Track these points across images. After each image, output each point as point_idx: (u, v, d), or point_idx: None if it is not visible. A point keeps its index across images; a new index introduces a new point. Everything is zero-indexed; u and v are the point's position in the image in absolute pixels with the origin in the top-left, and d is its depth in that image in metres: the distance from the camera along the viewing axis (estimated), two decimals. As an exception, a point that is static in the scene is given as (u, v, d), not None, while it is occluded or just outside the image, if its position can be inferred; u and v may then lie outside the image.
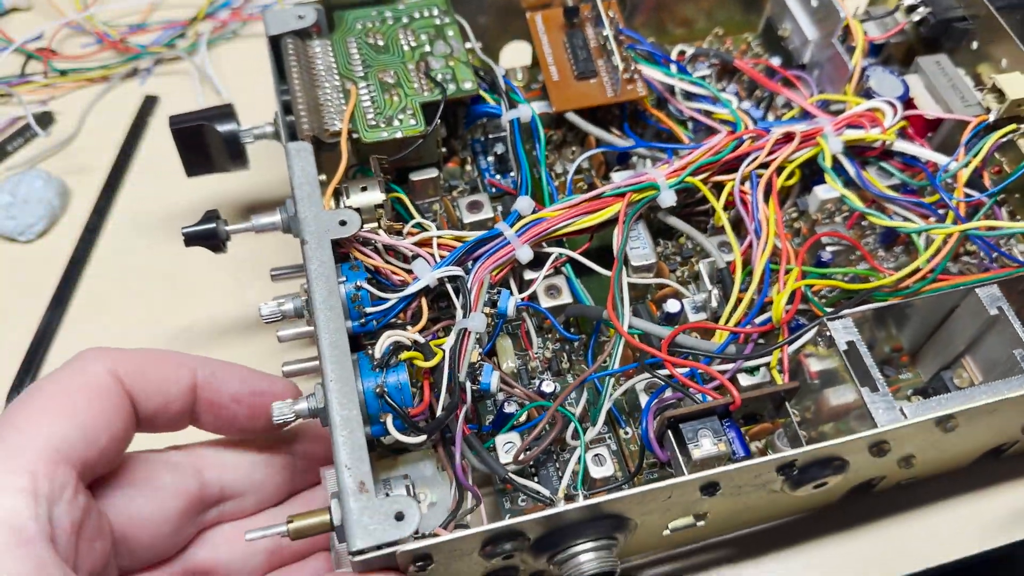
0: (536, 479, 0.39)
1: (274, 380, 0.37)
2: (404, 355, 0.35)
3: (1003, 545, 0.43)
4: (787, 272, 0.41)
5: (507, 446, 0.38)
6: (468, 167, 0.49)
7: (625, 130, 0.48)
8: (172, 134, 0.45)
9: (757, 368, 0.39)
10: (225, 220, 0.41)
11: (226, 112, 0.46)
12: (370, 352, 0.36)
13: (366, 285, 0.37)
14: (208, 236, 0.40)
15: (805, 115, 0.48)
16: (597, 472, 0.38)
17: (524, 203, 0.41)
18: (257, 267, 0.49)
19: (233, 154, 0.46)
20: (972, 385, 0.41)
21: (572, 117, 0.47)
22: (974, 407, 0.35)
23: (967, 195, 0.44)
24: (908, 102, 0.48)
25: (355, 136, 0.42)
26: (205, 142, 0.46)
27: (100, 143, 0.57)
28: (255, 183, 0.54)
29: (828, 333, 0.37)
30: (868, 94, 0.47)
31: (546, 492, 0.37)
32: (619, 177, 0.47)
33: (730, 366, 0.38)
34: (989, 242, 0.44)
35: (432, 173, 0.46)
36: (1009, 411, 0.36)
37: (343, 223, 0.38)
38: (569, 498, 0.37)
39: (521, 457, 0.37)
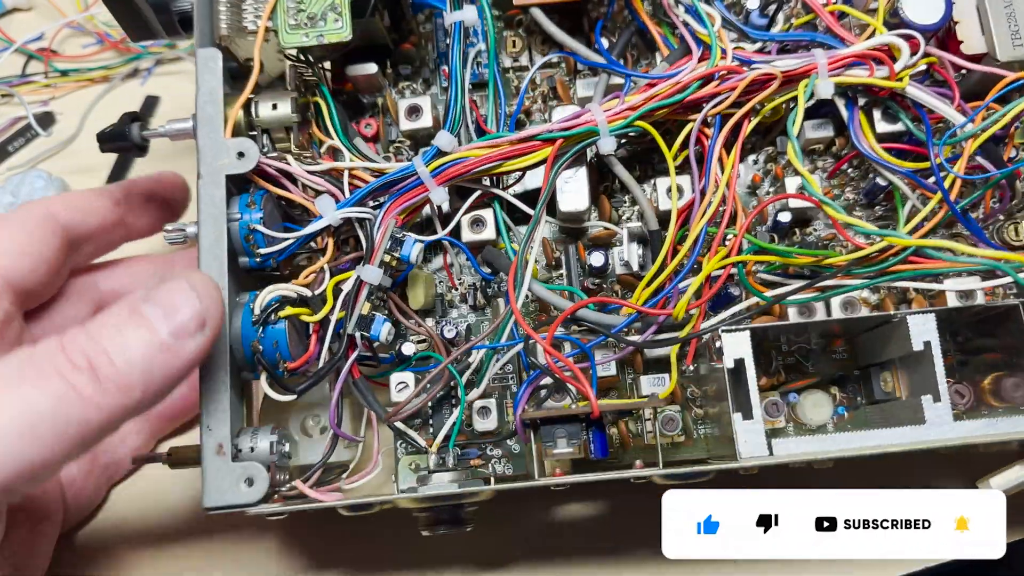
0: (431, 421, 0.40)
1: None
2: (288, 311, 0.36)
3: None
4: (724, 242, 0.37)
5: (400, 386, 0.39)
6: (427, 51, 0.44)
7: (596, 36, 0.41)
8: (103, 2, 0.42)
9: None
10: (143, 124, 0.40)
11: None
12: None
13: (260, 228, 0.36)
14: (118, 137, 0.39)
15: (815, 31, 0.41)
16: (481, 425, 0.39)
17: (445, 139, 0.38)
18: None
19: (166, 24, 0.43)
20: (895, 395, 0.38)
21: (536, 13, 0.41)
22: (847, 455, 0.33)
23: (969, 170, 0.38)
24: (948, 29, 0.39)
25: (275, 34, 0.39)
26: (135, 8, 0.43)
27: (101, 143, 0.57)
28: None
29: (718, 344, 0.34)
30: (896, 14, 0.39)
31: (421, 442, 0.38)
32: (581, 88, 0.42)
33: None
34: (980, 229, 0.38)
35: (371, 69, 0.42)
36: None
37: (241, 155, 0.36)
38: (441, 451, 0.38)
39: (404, 409, 0.38)
